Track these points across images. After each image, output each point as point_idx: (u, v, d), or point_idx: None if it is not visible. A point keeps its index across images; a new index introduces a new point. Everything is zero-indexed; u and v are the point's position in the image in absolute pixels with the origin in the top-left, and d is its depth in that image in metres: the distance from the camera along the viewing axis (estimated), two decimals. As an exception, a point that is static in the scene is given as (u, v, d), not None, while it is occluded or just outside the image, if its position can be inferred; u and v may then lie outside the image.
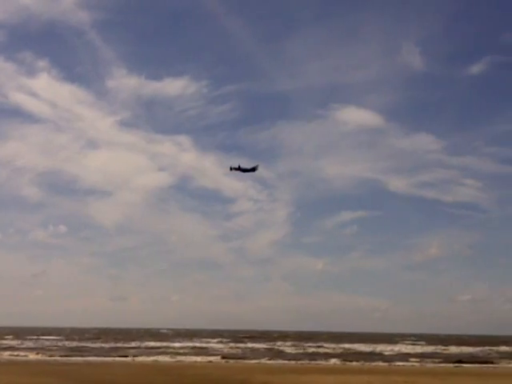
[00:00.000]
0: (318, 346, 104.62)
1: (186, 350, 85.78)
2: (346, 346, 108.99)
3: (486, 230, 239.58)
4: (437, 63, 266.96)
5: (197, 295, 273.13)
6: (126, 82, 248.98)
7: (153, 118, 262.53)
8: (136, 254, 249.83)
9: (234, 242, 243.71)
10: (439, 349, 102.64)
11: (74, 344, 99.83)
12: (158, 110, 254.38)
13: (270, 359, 69.40)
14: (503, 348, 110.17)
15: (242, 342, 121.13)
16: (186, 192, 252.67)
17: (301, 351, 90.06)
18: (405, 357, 78.03)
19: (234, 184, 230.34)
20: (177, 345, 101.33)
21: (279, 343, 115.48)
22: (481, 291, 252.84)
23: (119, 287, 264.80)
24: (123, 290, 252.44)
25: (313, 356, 77.42)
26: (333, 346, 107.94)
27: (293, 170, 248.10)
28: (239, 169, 60.64)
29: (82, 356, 69.46)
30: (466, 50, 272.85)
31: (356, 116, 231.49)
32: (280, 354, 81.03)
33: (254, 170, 61.90)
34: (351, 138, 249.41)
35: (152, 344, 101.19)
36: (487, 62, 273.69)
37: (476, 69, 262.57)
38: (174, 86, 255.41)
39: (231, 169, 60.54)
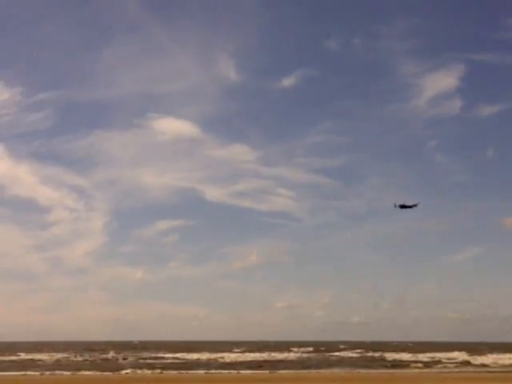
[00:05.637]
0: (156, 357, 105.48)
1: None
2: (170, 355, 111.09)
3: (300, 238, 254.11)
4: (251, 75, 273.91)
5: (10, 307, 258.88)
6: None
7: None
8: None
9: (50, 252, 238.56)
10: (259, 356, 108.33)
11: None
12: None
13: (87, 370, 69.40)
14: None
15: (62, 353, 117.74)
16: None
17: (127, 361, 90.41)
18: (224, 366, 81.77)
19: (50, 193, 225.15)
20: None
21: (101, 354, 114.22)
22: (296, 298, 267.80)
23: None
24: None
25: (141, 365, 78.48)
26: (162, 355, 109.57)
27: (110, 179, 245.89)
28: (404, 206, 66.70)
29: None
30: (279, 63, 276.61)
31: (173, 126, 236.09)
32: (103, 366, 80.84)
33: (415, 206, 67.46)
34: (168, 147, 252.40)
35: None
36: (299, 75, 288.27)
37: (288, 81, 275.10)
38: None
39: (395, 206, 66.64)
